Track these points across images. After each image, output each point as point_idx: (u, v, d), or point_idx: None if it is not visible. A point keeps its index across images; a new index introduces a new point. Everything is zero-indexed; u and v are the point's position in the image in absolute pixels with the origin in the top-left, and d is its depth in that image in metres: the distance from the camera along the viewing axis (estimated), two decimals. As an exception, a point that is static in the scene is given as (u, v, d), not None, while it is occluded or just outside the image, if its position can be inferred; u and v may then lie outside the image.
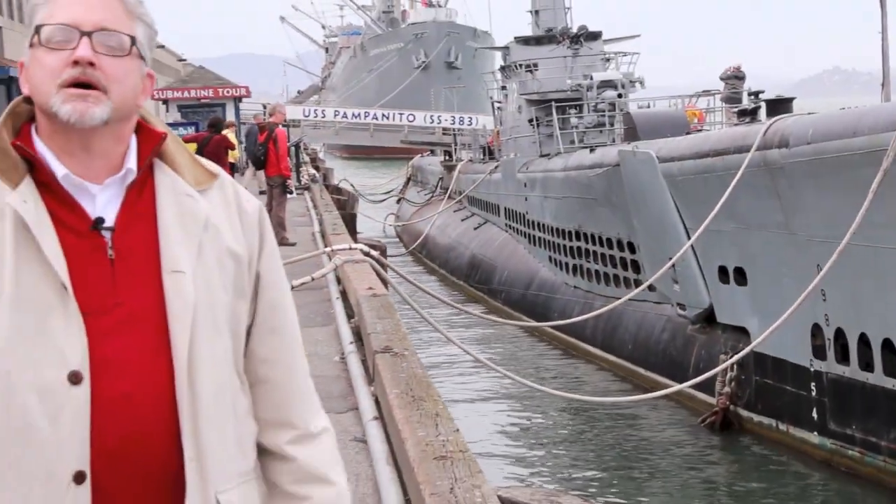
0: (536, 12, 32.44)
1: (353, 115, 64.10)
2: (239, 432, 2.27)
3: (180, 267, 2.19)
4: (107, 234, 2.17)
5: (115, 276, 2.16)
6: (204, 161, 2.37)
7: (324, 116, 64.34)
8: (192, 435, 2.16)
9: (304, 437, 2.39)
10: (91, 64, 2.15)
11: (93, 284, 2.14)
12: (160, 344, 2.16)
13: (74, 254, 2.13)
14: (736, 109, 21.12)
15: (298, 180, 30.96)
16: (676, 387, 15.14)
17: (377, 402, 7.32)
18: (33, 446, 2.07)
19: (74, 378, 2.07)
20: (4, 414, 2.07)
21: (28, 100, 2.25)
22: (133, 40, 2.21)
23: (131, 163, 2.23)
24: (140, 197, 2.23)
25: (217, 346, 2.22)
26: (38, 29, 2.19)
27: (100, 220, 2.17)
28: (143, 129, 2.28)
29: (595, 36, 30.09)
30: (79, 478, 2.07)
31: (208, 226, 2.25)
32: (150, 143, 2.27)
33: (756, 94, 19.75)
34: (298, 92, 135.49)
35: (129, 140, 2.25)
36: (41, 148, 2.20)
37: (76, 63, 2.14)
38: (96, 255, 2.16)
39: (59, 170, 2.18)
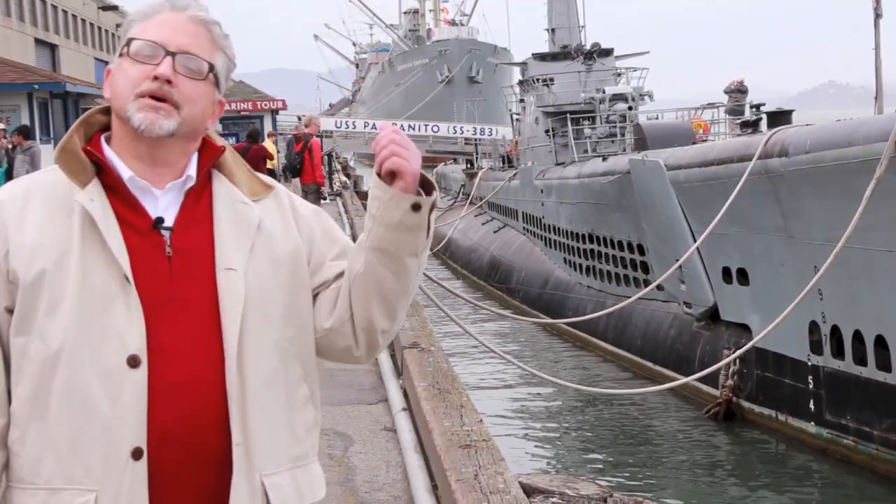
0: (552, 30, 32.44)
1: (382, 126, 64.00)
2: (292, 419, 2.28)
3: (233, 265, 2.22)
4: (166, 234, 2.22)
5: (173, 271, 2.20)
6: (262, 176, 2.40)
7: (354, 127, 64.28)
8: (239, 421, 2.18)
9: None
10: (169, 81, 2.19)
11: (152, 278, 2.18)
12: (212, 335, 2.19)
13: (136, 249, 2.18)
14: (739, 121, 21.04)
15: (331, 187, 30.96)
16: (683, 380, 15.08)
17: (405, 395, 7.33)
18: (96, 423, 2.11)
19: (133, 361, 2.11)
20: (70, 393, 2.12)
21: (105, 111, 2.30)
22: (211, 67, 2.26)
23: (191, 170, 2.28)
24: (198, 202, 2.27)
25: (267, 338, 2.24)
26: (129, 41, 2.23)
27: (160, 220, 2.22)
28: (205, 144, 2.33)
29: (607, 52, 30.07)
30: (137, 454, 2.11)
31: (262, 229, 2.29)
32: (210, 155, 2.31)
33: (758, 106, 19.73)
34: (330, 105, 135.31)
35: (193, 154, 2.30)
36: (109, 154, 2.25)
37: (156, 78, 2.19)
38: (156, 251, 2.20)
39: (125, 172, 2.23)
